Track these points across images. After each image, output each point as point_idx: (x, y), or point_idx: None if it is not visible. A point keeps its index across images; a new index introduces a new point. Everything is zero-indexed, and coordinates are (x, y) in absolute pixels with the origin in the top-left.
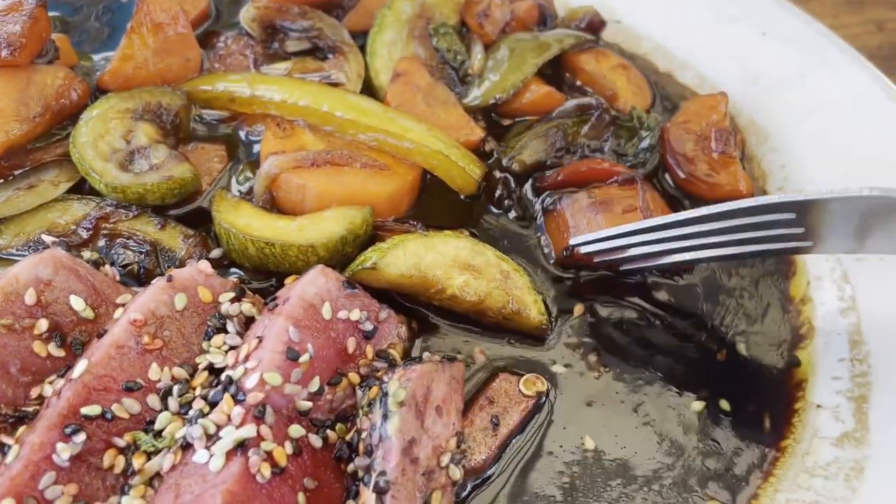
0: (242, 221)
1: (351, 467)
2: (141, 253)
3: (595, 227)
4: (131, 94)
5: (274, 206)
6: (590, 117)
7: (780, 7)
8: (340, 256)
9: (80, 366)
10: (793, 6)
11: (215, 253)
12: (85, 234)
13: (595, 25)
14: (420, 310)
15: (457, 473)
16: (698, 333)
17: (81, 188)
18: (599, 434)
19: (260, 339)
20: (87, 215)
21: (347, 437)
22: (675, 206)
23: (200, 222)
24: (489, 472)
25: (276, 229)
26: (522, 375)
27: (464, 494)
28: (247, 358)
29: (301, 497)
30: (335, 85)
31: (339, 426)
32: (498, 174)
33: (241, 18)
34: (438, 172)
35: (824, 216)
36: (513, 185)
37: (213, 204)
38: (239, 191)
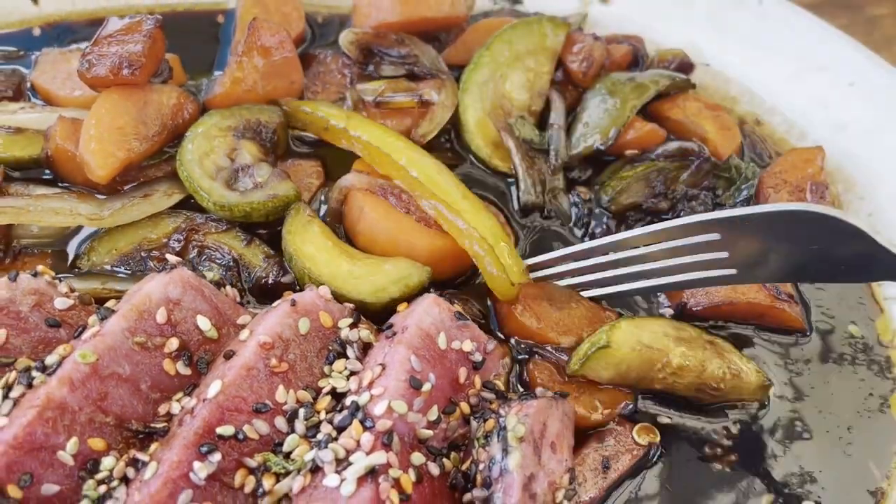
0: (308, 249)
1: (467, 497)
2: (224, 266)
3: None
4: (232, 112)
5: (340, 220)
6: (690, 164)
7: (867, 59)
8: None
9: (215, 386)
10: (879, 58)
11: (287, 278)
12: (177, 247)
13: (684, 68)
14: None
15: None
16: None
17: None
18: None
19: (383, 367)
20: (179, 228)
21: (463, 468)
22: None
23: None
24: None
25: (333, 268)
26: (637, 423)
27: None
28: (371, 385)
29: None
30: (426, 104)
31: (453, 455)
32: (596, 211)
33: (340, 41)
34: (479, 263)
35: (748, 235)
36: (612, 227)
37: (287, 218)
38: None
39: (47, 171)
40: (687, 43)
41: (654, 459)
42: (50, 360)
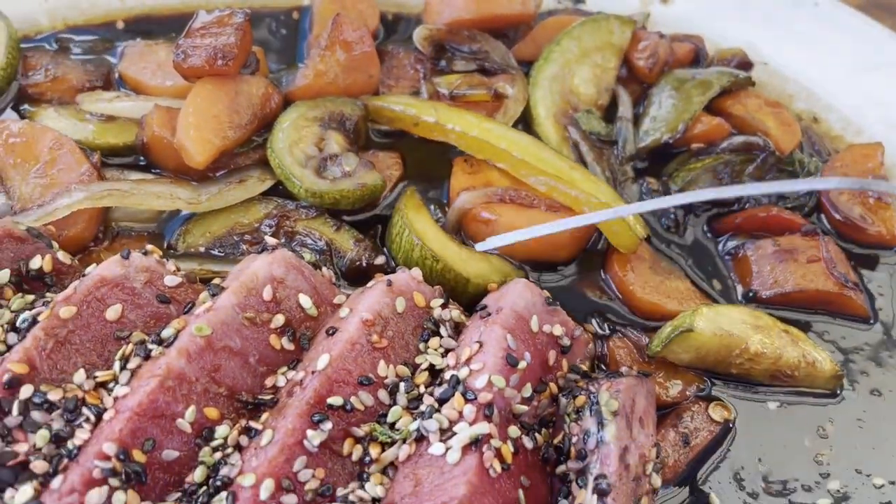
0: (420, 226)
1: (560, 469)
2: (316, 251)
3: (778, 274)
4: (317, 104)
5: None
6: (755, 157)
7: None
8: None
9: (323, 360)
10: None
11: (380, 259)
12: (268, 232)
13: (743, 66)
14: None
15: (658, 482)
16: None
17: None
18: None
19: (480, 344)
20: (270, 214)
21: (555, 442)
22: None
23: (367, 229)
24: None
25: (445, 247)
26: (712, 400)
27: None
28: (469, 360)
29: (521, 493)
30: (499, 98)
31: (543, 431)
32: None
33: (414, 37)
34: (602, 226)
35: None
36: (680, 218)
37: (402, 199)
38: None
39: (141, 159)
40: (745, 42)
41: (730, 436)
42: (166, 333)
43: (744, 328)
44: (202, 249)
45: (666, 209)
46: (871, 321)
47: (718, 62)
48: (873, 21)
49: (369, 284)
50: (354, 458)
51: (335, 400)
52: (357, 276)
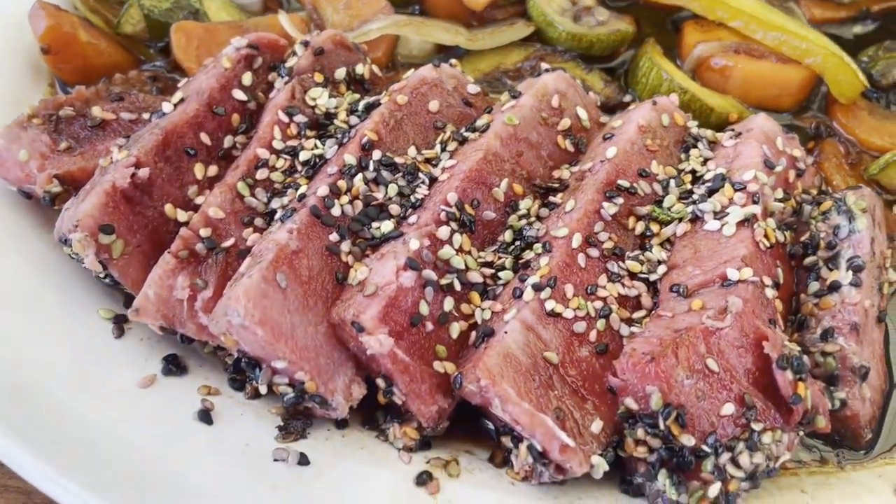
0: (667, 65)
1: (809, 260)
2: None
3: None
4: None
5: None
6: None
7: None
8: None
9: (611, 151)
10: None
11: (627, 98)
12: (529, 72)
13: None
14: None
15: (893, 276)
16: None
17: None
18: None
19: (738, 153)
20: (529, 56)
21: (801, 239)
22: None
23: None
24: None
25: (689, 83)
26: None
27: None
28: (731, 163)
29: (779, 272)
30: None
31: (788, 233)
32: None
33: None
34: (827, 75)
35: None
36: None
37: (645, 46)
38: None
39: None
40: None
41: None
42: (479, 122)
43: None
44: (470, 84)
45: (872, 95)
46: None
47: None
48: None
49: (631, 107)
50: (638, 231)
51: (623, 182)
52: (607, 113)
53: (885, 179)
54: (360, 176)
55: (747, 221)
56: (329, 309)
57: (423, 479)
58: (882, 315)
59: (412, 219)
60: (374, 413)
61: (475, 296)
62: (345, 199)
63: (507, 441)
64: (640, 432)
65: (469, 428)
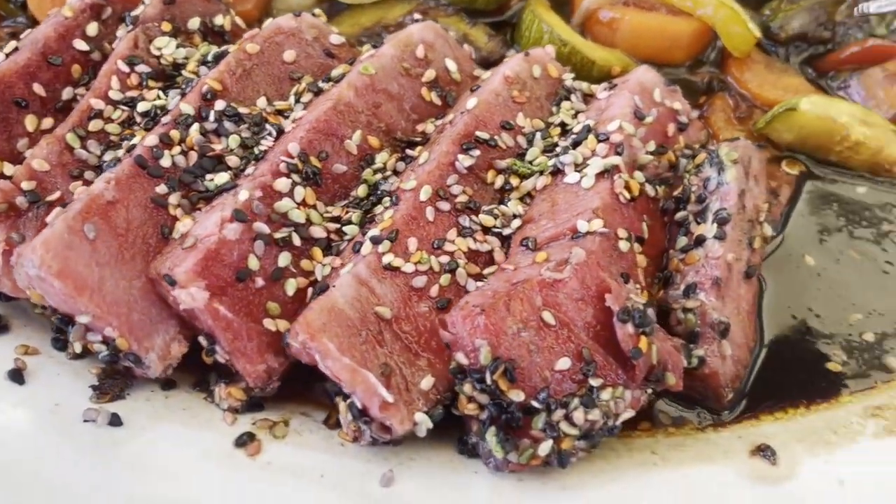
0: (549, 18)
1: (680, 215)
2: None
3: (893, 97)
4: None
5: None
6: None
7: None
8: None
9: (471, 102)
10: None
11: (510, 52)
12: (410, 23)
13: None
14: None
15: (769, 230)
16: None
17: None
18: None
19: (609, 104)
20: (411, 10)
21: (674, 194)
22: None
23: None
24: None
25: (572, 35)
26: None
27: None
28: (600, 114)
29: (644, 226)
30: None
31: (662, 187)
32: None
33: None
34: (718, 27)
35: None
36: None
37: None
38: None
39: None
40: None
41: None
42: (335, 73)
43: (850, 120)
44: (363, 38)
45: (771, 49)
46: None
47: None
48: None
49: (507, 58)
50: (497, 185)
51: (482, 134)
52: (489, 66)
53: (774, 133)
54: (196, 126)
55: (607, 173)
56: (150, 264)
57: (244, 440)
58: (751, 270)
59: (249, 170)
60: (207, 375)
61: (317, 251)
62: (177, 149)
63: (340, 401)
64: (467, 388)
65: (308, 389)
